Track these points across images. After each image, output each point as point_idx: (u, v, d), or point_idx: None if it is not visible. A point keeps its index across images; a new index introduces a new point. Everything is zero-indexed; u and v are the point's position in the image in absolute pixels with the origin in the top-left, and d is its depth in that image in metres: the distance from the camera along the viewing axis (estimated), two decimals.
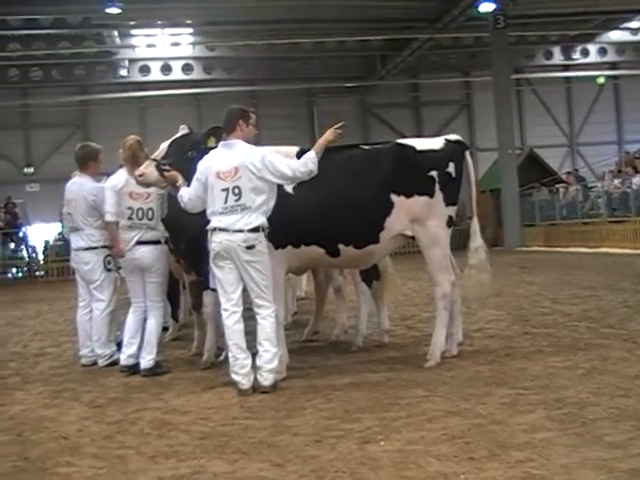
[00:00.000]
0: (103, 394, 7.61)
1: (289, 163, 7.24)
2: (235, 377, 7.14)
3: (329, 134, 7.40)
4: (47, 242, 35.49)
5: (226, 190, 7.10)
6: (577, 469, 4.43)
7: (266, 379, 7.10)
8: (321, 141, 7.37)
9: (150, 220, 8.47)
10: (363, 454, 5.03)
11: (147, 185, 8.08)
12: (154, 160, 7.95)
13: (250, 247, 7.07)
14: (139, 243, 8.44)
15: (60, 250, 32.42)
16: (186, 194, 7.43)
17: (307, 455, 5.10)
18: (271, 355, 7.14)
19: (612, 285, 14.14)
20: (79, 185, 9.31)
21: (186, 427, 6.06)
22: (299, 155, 7.77)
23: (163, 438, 5.80)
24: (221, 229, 7.11)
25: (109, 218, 8.58)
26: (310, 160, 7.19)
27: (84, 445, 5.75)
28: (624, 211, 25.95)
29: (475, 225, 8.49)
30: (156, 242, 8.54)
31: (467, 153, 8.38)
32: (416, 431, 5.47)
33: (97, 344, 9.18)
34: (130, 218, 8.45)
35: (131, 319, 8.61)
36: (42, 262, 34.83)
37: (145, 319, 8.57)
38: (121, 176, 8.57)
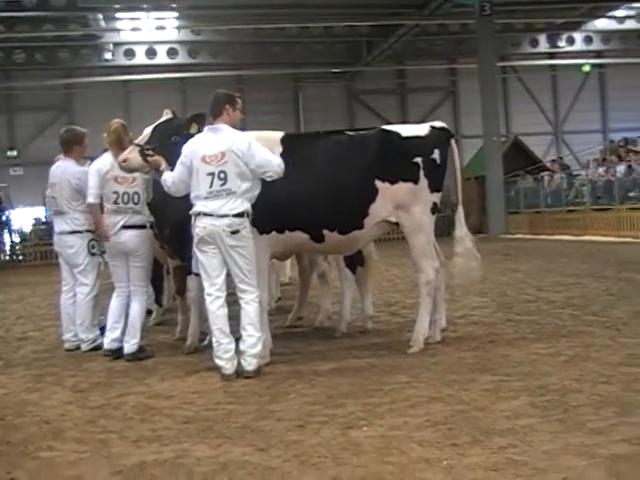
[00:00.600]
0: (86, 378, 7.59)
1: (275, 159, 7.26)
2: (219, 362, 7.14)
3: None
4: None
5: (212, 174, 7.08)
6: (559, 455, 4.45)
7: (250, 364, 7.10)
8: None
9: (136, 204, 8.44)
10: (346, 439, 5.03)
11: (130, 170, 8.06)
12: (137, 145, 7.91)
13: (235, 232, 7.06)
14: (124, 227, 8.41)
15: (43, 234, 32.27)
16: (170, 178, 7.41)
17: (290, 440, 5.10)
18: (255, 340, 7.14)
19: (595, 273, 14.19)
20: (63, 169, 9.26)
21: (169, 411, 6.06)
22: (284, 140, 7.78)
23: (146, 422, 5.79)
24: (205, 214, 7.10)
25: (91, 200, 8.55)
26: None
27: (67, 429, 5.73)
28: (608, 199, 26.04)
29: (460, 213, 8.49)
30: (141, 226, 8.51)
31: (452, 141, 8.38)
32: (399, 417, 5.48)
33: (81, 328, 9.15)
34: (116, 202, 8.41)
35: (115, 303, 8.58)
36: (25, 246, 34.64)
37: (129, 303, 8.55)
38: (106, 160, 8.53)
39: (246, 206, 7.14)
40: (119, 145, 8.41)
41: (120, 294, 8.59)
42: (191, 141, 7.36)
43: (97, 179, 8.47)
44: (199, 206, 7.16)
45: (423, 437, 4.96)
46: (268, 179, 7.25)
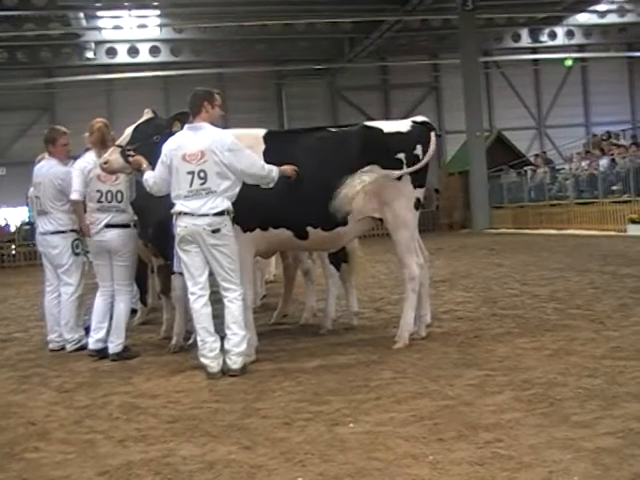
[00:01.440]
0: (71, 379, 7.57)
1: (260, 163, 7.29)
2: (204, 360, 7.13)
3: (290, 171, 7.46)
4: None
5: (192, 173, 7.06)
6: (545, 449, 4.46)
7: (235, 362, 7.10)
8: (288, 170, 7.44)
9: (119, 202, 8.42)
10: (332, 436, 5.04)
11: (112, 172, 8.05)
12: (119, 146, 7.89)
13: (215, 231, 7.04)
14: (108, 226, 8.38)
15: (27, 234, 32.13)
16: (151, 177, 7.39)
17: (276, 438, 5.10)
18: (239, 338, 7.13)
19: (579, 266, 14.26)
20: (47, 168, 9.24)
21: (155, 411, 6.05)
22: (266, 137, 7.79)
23: (132, 422, 5.78)
24: (186, 213, 7.08)
25: (75, 197, 8.52)
26: (275, 171, 7.32)
27: (53, 430, 5.72)
28: (591, 193, 26.14)
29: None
30: (125, 225, 8.48)
31: (432, 134, 8.37)
32: (385, 413, 5.49)
33: (65, 329, 9.12)
34: (99, 201, 8.39)
35: (99, 303, 8.56)
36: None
37: (113, 303, 8.53)
38: (89, 159, 8.51)
39: (226, 205, 7.12)
40: (102, 144, 8.40)
41: (104, 293, 8.57)
42: (171, 140, 7.34)
43: (81, 177, 8.46)
44: (179, 206, 7.14)
45: (409, 433, 4.97)
46: (257, 181, 7.29)
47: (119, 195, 8.41)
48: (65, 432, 5.64)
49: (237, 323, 7.14)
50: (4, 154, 38.61)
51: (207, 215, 7.03)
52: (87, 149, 8.71)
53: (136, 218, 8.65)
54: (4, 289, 19.92)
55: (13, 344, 10.08)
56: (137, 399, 6.49)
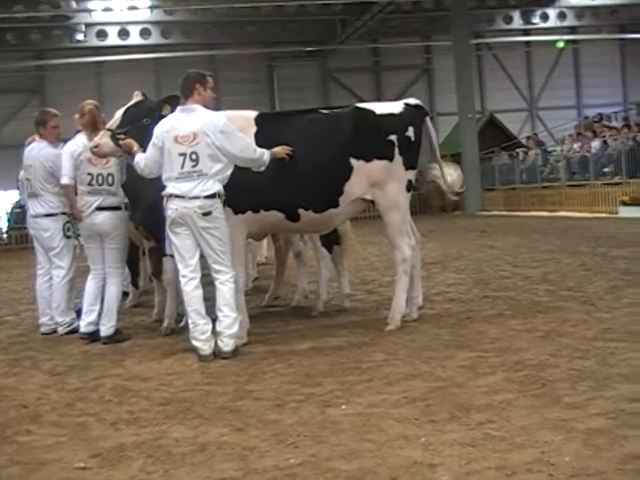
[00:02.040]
0: (63, 362, 7.56)
1: (252, 146, 7.28)
2: (195, 343, 7.12)
3: (281, 152, 7.47)
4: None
5: (183, 155, 7.03)
6: (536, 430, 4.47)
7: (227, 345, 7.10)
8: (279, 152, 7.46)
9: (110, 185, 8.39)
10: (324, 418, 5.04)
11: (103, 156, 8.02)
12: (109, 130, 7.85)
13: (206, 214, 7.02)
14: (99, 209, 8.36)
15: (18, 218, 32.03)
16: (142, 160, 7.36)
17: (268, 419, 5.10)
18: (231, 320, 7.13)
19: (571, 248, 14.28)
20: (37, 150, 9.20)
21: (147, 393, 6.05)
22: (258, 119, 7.77)
23: (124, 405, 5.78)
24: (177, 196, 7.06)
25: (65, 181, 8.49)
26: (267, 154, 7.32)
27: (44, 413, 5.71)
28: (583, 175, 26.16)
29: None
30: (116, 208, 8.46)
31: (427, 118, 8.37)
32: (377, 394, 5.49)
33: (57, 312, 9.10)
34: (90, 184, 8.36)
35: (90, 286, 8.54)
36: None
37: (104, 286, 8.51)
38: (79, 141, 8.48)
39: (217, 187, 7.10)
40: (93, 127, 8.37)
41: (95, 276, 8.55)
42: (163, 121, 7.31)
43: (71, 161, 8.42)
44: (170, 188, 7.11)
45: (401, 414, 4.98)
46: (249, 164, 7.29)
47: (110, 178, 8.38)
48: (57, 415, 5.64)
49: (228, 305, 7.13)
50: None
51: (198, 198, 7.00)
52: (77, 131, 8.67)
53: (127, 201, 8.62)
54: None
55: (4, 327, 10.07)
56: (129, 382, 6.49)
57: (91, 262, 8.60)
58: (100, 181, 8.35)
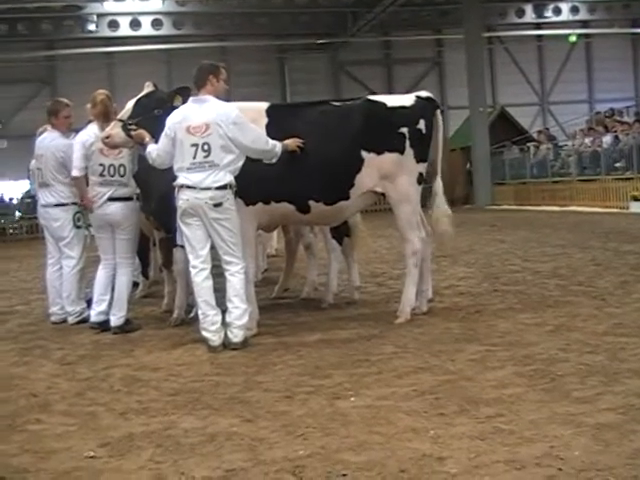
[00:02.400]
0: (73, 351, 7.58)
1: (264, 138, 7.27)
2: (205, 334, 7.13)
3: (292, 145, 7.46)
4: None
5: (195, 146, 7.03)
6: (545, 424, 4.47)
7: (236, 336, 7.11)
8: (291, 145, 7.45)
9: (122, 176, 8.40)
10: (333, 410, 5.04)
11: (114, 146, 8.01)
12: (120, 121, 7.86)
13: (218, 205, 7.03)
14: (111, 199, 8.37)
15: (28, 207, 32.09)
16: (154, 150, 7.36)
17: (278, 411, 5.11)
18: (241, 312, 7.13)
19: (581, 243, 14.24)
20: (49, 140, 9.22)
21: (157, 384, 6.06)
22: (269, 111, 7.76)
23: (134, 395, 5.79)
24: (188, 186, 7.06)
25: (75, 173, 8.50)
26: (279, 146, 7.31)
27: (54, 402, 5.73)
28: (594, 170, 26.06)
29: (438, 183, 8.43)
30: (128, 199, 8.47)
31: (438, 112, 8.34)
32: (386, 387, 5.49)
33: (67, 301, 9.13)
34: (102, 175, 8.37)
35: (101, 276, 8.55)
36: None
37: (115, 276, 8.52)
38: (91, 132, 8.48)
39: (229, 179, 7.10)
40: (105, 117, 8.38)
41: (106, 266, 8.56)
42: (175, 112, 7.31)
43: (82, 151, 8.43)
44: (182, 178, 7.12)
45: (410, 407, 4.98)
46: (266, 161, 7.30)
47: (122, 169, 8.38)
48: (67, 404, 5.66)
49: (239, 296, 7.14)
50: (5, 127, 38.41)
51: (210, 189, 7.01)
52: (89, 121, 8.67)
53: (138, 191, 8.63)
54: (6, 262, 19.93)
55: (15, 317, 10.09)
56: (138, 372, 6.51)
57: (102, 252, 8.61)
58: (112, 172, 8.36)
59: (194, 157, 7.03)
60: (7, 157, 36.05)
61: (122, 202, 8.40)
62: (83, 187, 8.55)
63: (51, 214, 9.19)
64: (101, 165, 8.35)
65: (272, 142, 7.28)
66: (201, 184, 7.01)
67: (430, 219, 8.39)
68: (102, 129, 8.18)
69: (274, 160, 7.33)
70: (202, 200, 7.01)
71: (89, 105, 8.66)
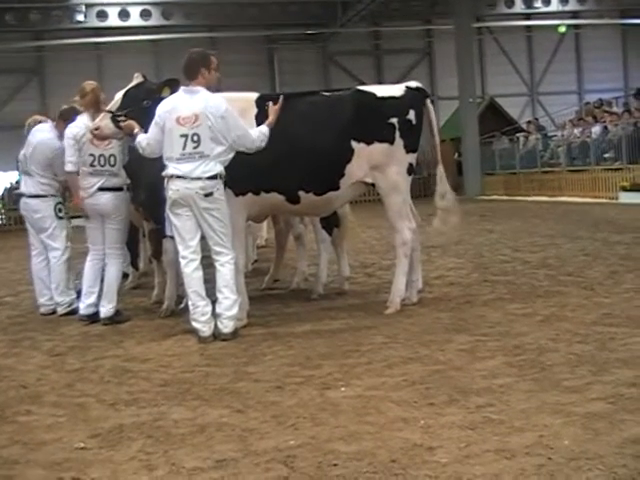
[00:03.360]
0: (63, 342, 7.58)
1: (249, 131, 7.22)
2: (195, 325, 7.13)
3: (273, 118, 7.39)
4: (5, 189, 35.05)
5: (185, 136, 7.01)
6: (535, 413, 4.48)
7: (226, 326, 7.11)
8: (272, 118, 7.35)
9: (112, 166, 8.37)
10: (324, 400, 5.05)
11: (103, 138, 8.00)
12: (109, 112, 7.83)
13: (208, 195, 7.02)
14: (101, 190, 8.34)
15: (18, 198, 31.94)
16: (144, 139, 7.33)
17: (268, 401, 5.11)
18: (231, 302, 7.13)
19: (571, 233, 14.27)
20: (45, 135, 9.16)
21: (146, 374, 6.06)
22: (258, 101, 7.74)
23: (123, 385, 5.79)
24: (178, 177, 7.04)
25: (69, 168, 8.45)
26: (265, 132, 7.25)
27: (44, 393, 5.72)
28: (583, 160, 26.10)
29: (441, 171, 8.47)
30: (118, 189, 8.44)
31: (428, 101, 8.35)
32: (376, 377, 5.50)
33: (56, 292, 9.11)
34: (92, 165, 8.34)
35: (89, 268, 8.52)
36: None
37: (104, 267, 8.50)
38: (81, 123, 8.44)
39: (219, 169, 7.09)
40: (96, 107, 8.36)
41: (94, 258, 8.52)
42: (165, 101, 7.29)
43: (75, 147, 8.37)
44: (171, 169, 7.09)
45: (400, 397, 4.99)
46: (248, 151, 7.24)
47: (112, 159, 8.36)
48: (56, 395, 5.66)
49: (228, 287, 7.14)
50: None
51: (200, 179, 6.99)
52: (75, 114, 8.64)
53: (129, 182, 8.60)
54: None
55: (4, 308, 10.08)
56: (128, 363, 6.51)
57: (91, 242, 8.57)
58: (102, 162, 8.33)
59: (184, 148, 7.02)
60: None
61: (113, 192, 8.38)
62: (76, 183, 8.48)
63: (31, 205, 9.17)
64: (91, 155, 8.32)
65: (256, 136, 7.22)
66: (191, 174, 6.99)
67: (438, 209, 8.38)
68: (93, 119, 8.14)
69: (263, 144, 7.29)
70: (193, 190, 6.99)
71: (77, 97, 8.62)
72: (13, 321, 9.00)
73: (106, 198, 8.35)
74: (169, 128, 7.08)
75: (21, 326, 8.63)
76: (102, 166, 8.33)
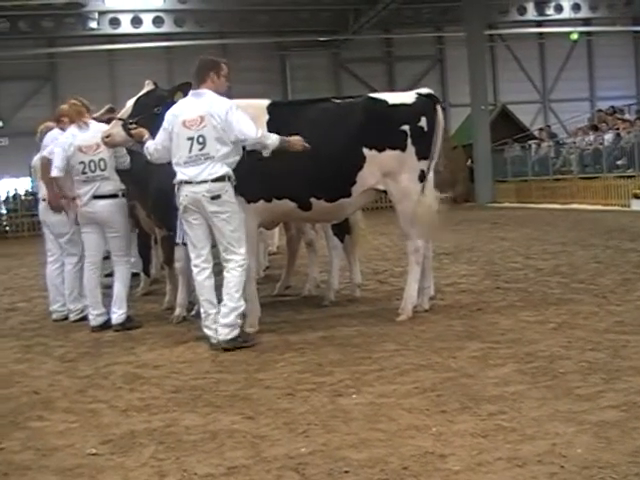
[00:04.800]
0: (75, 348, 7.60)
1: (254, 127, 7.12)
2: (207, 332, 7.14)
3: (297, 143, 7.25)
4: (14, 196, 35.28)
5: (191, 139, 7.00)
6: (547, 421, 4.47)
7: (220, 334, 7.01)
8: (290, 140, 7.22)
9: (103, 170, 8.38)
10: (335, 407, 5.05)
11: (114, 145, 8.05)
12: (120, 120, 7.87)
13: (215, 197, 6.96)
14: (95, 197, 8.36)
15: (30, 205, 32.09)
16: (152, 145, 7.35)
17: (279, 408, 5.11)
18: (227, 310, 7.02)
19: (583, 241, 14.23)
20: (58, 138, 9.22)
21: (158, 381, 6.07)
22: (270, 108, 7.75)
23: (135, 392, 5.80)
24: (186, 182, 7.02)
25: (55, 173, 8.48)
26: (274, 138, 7.11)
27: (56, 399, 5.74)
28: (595, 168, 26.03)
29: (430, 180, 8.28)
30: (113, 196, 8.43)
31: (439, 107, 8.34)
32: (388, 384, 5.50)
33: (69, 299, 9.13)
34: (84, 172, 8.38)
35: (88, 278, 8.51)
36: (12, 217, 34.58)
37: (100, 275, 8.60)
38: (69, 133, 8.59)
39: (225, 170, 7.02)
40: (79, 115, 8.50)
41: (91, 267, 8.49)
42: (174, 107, 7.30)
43: (62, 154, 8.42)
44: (179, 174, 7.08)
45: (412, 404, 4.98)
46: (249, 148, 7.20)
47: (102, 163, 8.37)
48: (68, 401, 5.67)
49: (229, 294, 7.03)
50: (7, 124, 38.36)
51: (206, 181, 6.96)
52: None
53: (124, 187, 8.58)
54: (7, 259, 19.95)
55: (16, 314, 10.12)
56: (140, 369, 6.52)
57: (87, 248, 8.57)
58: (92, 167, 8.36)
59: (190, 151, 7.00)
60: (8, 155, 35.98)
61: (107, 200, 8.38)
62: (65, 185, 8.58)
63: (50, 210, 9.18)
64: (82, 163, 8.36)
65: (266, 133, 7.16)
66: (197, 178, 6.97)
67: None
68: (79, 127, 8.34)
69: (266, 151, 7.25)
70: (199, 193, 6.96)
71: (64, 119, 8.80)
72: (26, 327, 9.03)
73: (101, 205, 8.36)
74: (176, 132, 7.09)
75: (34, 332, 8.65)
76: (93, 172, 8.35)
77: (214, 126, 6.98)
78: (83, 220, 8.56)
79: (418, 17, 40.98)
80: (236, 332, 7.08)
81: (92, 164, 8.35)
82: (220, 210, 7.02)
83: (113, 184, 8.45)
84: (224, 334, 7.02)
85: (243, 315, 7.27)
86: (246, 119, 7.13)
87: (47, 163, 8.67)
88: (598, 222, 18.68)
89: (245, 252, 7.16)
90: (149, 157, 7.46)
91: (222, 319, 7.03)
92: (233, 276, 7.07)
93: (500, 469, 3.85)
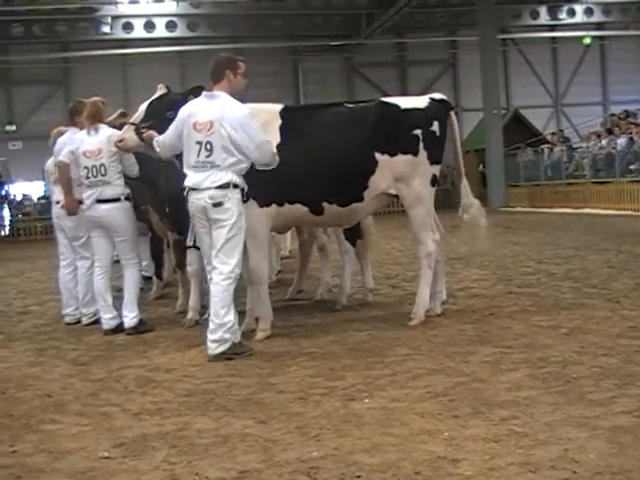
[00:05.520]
0: (87, 352, 7.61)
1: (266, 142, 6.97)
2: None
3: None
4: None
5: (199, 144, 6.87)
6: (560, 426, 4.45)
7: (209, 348, 6.86)
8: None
9: (103, 176, 8.39)
10: (347, 411, 5.04)
11: (127, 150, 8.06)
12: (133, 124, 7.88)
13: (217, 204, 6.81)
14: (98, 201, 8.39)
15: (43, 209, 32.22)
16: (160, 139, 7.34)
17: (291, 412, 5.11)
18: (214, 326, 6.81)
19: (595, 245, 14.20)
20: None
21: (170, 384, 6.07)
22: (282, 113, 7.74)
23: (147, 395, 5.80)
24: (192, 188, 6.93)
25: (62, 157, 8.67)
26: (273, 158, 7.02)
27: (68, 402, 5.75)
28: (608, 172, 25.95)
29: (465, 184, 8.48)
30: (116, 200, 8.45)
31: (452, 113, 8.34)
32: (400, 389, 5.49)
33: (82, 302, 9.14)
34: (87, 177, 8.43)
35: (98, 282, 8.53)
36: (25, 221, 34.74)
37: (110, 279, 8.64)
38: (77, 137, 8.62)
39: (230, 177, 6.84)
40: (94, 118, 8.53)
41: (101, 271, 8.53)
42: (187, 105, 7.20)
43: (70, 156, 8.55)
44: (187, 179, 6.99)
45: (424, 409, 4.97)
46: (256, 161, 7.02)
47: (102, 168, 8.38)
48: (81, 404, 5.68)
49: (215, 311, 6.83)
50: (20, 128, 38.55)
51: (209, 188, 6.83)
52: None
53: (128, 191, 8.58)
54: (21, 263, 20.01)
55: (29, 317, 10.15)
56: (152, 373, 6.52)
57: (96, 252, 8.61)
58: (94, 172, 8.39)
59: (198, 155, 6.89)
60: (22, 158, 36.13)
61: (110, 204, 8.39)
62: (64, 177, 8.73)
63: (65, 213, 9.19)
64: (85, 168, 8.41)
65: (273, 152, 7.01)
66: (201, 185, 6.86)
67: (464, 223, 8.45)
68: (89, 132, 8.40)
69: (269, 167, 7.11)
70: (202, 200, 6.86)
71: (83, 115, 8.77)
72: (38, 330, 9.06)
73: (103, 210, 8.39)
74: (187, 134, 6.98)
75: (46, 335, 8.68)
76: (95, 177, 8.39)
77: (222, 135, 6.80)
78: (89, 224, 8.61)
79: (431, 21, 41.01)
80: (225, 346, 6.83)
81: (94, 169, 8.39)
82: (221, 218, 6.85)
83: (115, 188, 8.46)
84: (212, 348, 6.84)
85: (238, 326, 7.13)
86: (261, 135, 6.95)
87: (64, 167, 8.70)
88: (611, 227, 18.63)
89: (235, 264, 6.90)
90: (157, 150, 7.44)
91: (210, 335, 6.86)
92: (217, 291, 6.85)
93: (512, 474, 3.84)
